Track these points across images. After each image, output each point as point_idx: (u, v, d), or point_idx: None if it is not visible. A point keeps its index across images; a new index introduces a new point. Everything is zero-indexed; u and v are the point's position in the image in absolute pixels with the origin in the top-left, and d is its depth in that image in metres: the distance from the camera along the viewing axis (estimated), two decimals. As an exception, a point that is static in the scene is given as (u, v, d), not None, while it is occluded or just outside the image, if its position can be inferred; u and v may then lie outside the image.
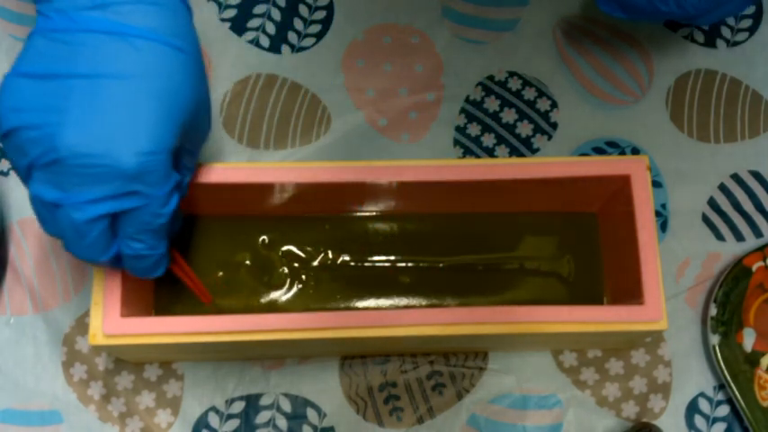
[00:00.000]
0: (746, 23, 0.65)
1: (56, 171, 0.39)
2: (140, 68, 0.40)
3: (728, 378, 0.55)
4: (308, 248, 0.55)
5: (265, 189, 0.51)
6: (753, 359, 0.56)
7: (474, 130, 0.61)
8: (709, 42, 0.64)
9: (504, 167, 0.50)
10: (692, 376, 0.57)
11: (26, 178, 0.41)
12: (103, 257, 0.43)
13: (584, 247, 0.56)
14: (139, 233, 0.43)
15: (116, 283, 0.47)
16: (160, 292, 0.54)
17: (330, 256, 0.55)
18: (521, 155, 0.61)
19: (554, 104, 0.62)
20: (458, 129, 0.61)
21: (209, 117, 0.47)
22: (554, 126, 0.62)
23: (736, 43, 0.64)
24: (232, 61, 0.62)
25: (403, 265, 0.55)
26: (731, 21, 0.65)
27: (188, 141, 0.45)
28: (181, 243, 0.55)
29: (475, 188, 0.51)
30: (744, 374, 0.56)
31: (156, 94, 0.40)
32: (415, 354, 0.57)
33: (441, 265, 0.55)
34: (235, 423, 0.56)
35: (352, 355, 0.57)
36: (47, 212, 0.41)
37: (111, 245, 0.43)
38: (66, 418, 0.55)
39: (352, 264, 0.55)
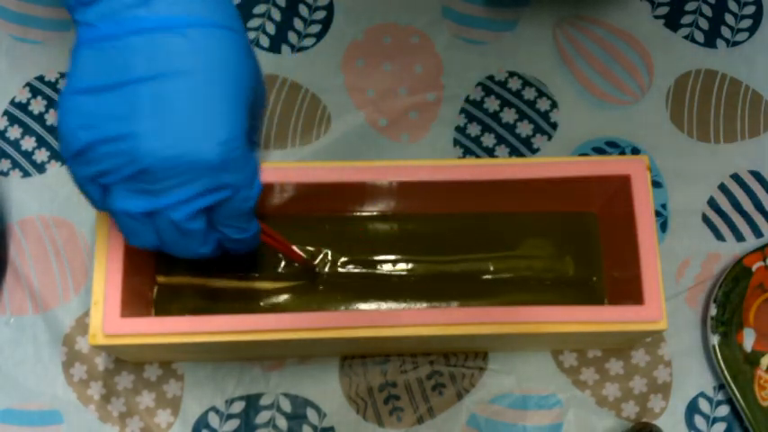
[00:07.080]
0: (746, 23, 0.65)
1: (142, 180, 0.39)
2: (199, 58, 0.39)
3: (728, 378, 0.55)
4: (308, 248, 0.55)
5: (265, 189, 0.51)
6: (753, 359, 0.56)
7: (474, 130, 0.61)
8: (710, 42, 0.64)
9: (504, 167, 0.50)
10: (692, 376, 0.57)
11: (103, 195, 0.41)
12: (205, 249, 0.44)
13: (584, 247, 0.56)
14: (233, 219, 0.43)
15: (116, 283, 0.47)
16: (160, 292, 0.54)
17: (330, 256, 0.55)
18: (521, 155, 0.61)
19: (554, 104, 0.62)
20: (458, 129, 0.61)
21: (264, 86, 0.46)
22: (554, 126, 0.62)
23: (736, 43, 0.64)
24: (232, 61, 0.62)
25: (403, 265, 0.55)
26: (731, 21, 0.65)
27: (253, 117, 0.44)
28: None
29: (475, 188, 0.51)
30: (744, 374, 0.56)
31: (220, 80, 0.39)
32: (415, 354, 0.57)
33: (441, 265, 0.55)
34: (235, 423, 0.56)
35: (352, 355, 0.57)
36: (138, 224, 0.41)
37: (210, 236, 0.43)
38: (67, 418, 0.55)
39: (352, 264, 0.55)
